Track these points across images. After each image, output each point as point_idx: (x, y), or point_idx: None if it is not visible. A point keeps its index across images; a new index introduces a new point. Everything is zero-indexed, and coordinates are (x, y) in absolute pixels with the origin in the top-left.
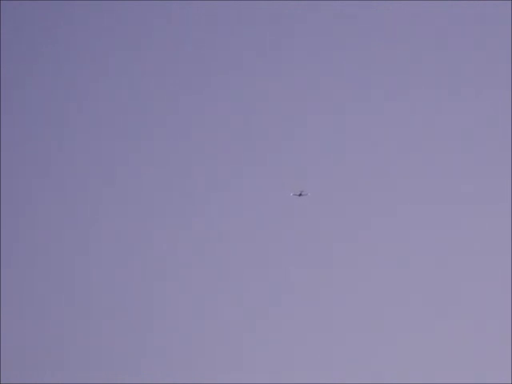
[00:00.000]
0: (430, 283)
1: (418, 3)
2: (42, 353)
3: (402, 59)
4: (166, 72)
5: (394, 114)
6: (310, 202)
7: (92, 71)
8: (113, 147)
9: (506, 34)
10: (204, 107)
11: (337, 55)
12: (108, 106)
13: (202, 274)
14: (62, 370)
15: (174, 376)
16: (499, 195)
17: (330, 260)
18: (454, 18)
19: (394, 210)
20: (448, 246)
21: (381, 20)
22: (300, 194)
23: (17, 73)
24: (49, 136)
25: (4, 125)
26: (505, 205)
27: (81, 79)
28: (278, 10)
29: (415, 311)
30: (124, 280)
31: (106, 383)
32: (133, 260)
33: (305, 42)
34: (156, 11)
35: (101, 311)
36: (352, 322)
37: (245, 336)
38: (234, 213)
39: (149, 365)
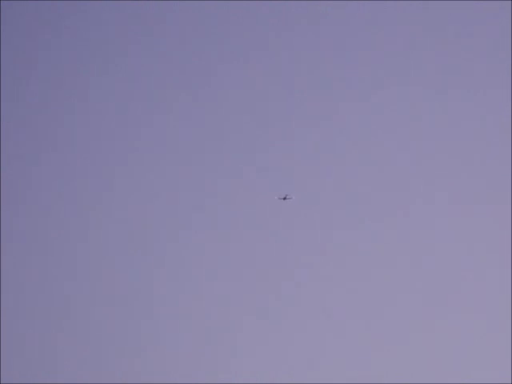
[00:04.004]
0: (429, 284)
1: (418, 3)
2: (42, 353)
3: (401, 59)
4: (162, 72)
5: (392, 113)
6: (307, 203)
7: (92, 71)
8: (111, 145)
9: (506, 34)
10: (199, 107)
11: (336, 55)
12: (108, 106)
13: (200, 273)
14: (62, 370)
15: (175, 376)
16: (499, 195)
17: (329, 260)
18: (454, 18)
19: (393, 210)
20: (447, 247)
21: (381, 20)
22: (284, 198)
23: (17, 73)
24: (48, 136)
25: (4, 125)
26: (505, 205)
27: (81, 79)
28: (278, 10)
29: (415, 312)
30: (123, 280)
31: (107, 383)
32: (129, 260)
33: (304, 41)
34: (156, 11)
35: (100, 312)
36: (350, 324)
37: (243, 336)
38: (228, 214)
39: (148, 364)
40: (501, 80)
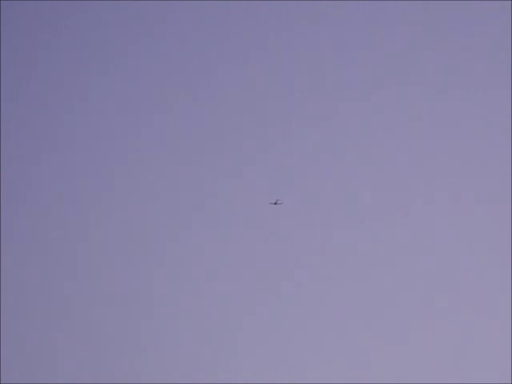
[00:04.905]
0: (429, 284)
1: (418, 3)
2: (42, 353)
3: (401, 59)
4: (162, 72)
5: (392, 113)
6: (307, 203)
7: (92, 71)
8: (111, 145)
9: (506, 34)
10: (199, 107)
11: (336, 55)
12: (108, 106)
13: (200, 273)
14: (62, 370)
15: (175, 376)
16: (499, 195)
17: (329, 260)
18: (454, 18)
19: (393, 210)
20: (447, 247)
21: (381, 20)
22: (275, 203)
23: (17, 73)
24: (48, 136)
25: (4, 125)
26: (505, 205)
27: (81, 79)
28: (278, 10)
29: (415, 312)
30: (123, 280)
31: (107, 383)
32: (129, 260)
33: (304, 41)
34: (156, 11)
35: (100, 312)
36: (350, 324)
37: (243, 336)
38: (228, 214)
39: (148, 364)
40: (501, 80)
